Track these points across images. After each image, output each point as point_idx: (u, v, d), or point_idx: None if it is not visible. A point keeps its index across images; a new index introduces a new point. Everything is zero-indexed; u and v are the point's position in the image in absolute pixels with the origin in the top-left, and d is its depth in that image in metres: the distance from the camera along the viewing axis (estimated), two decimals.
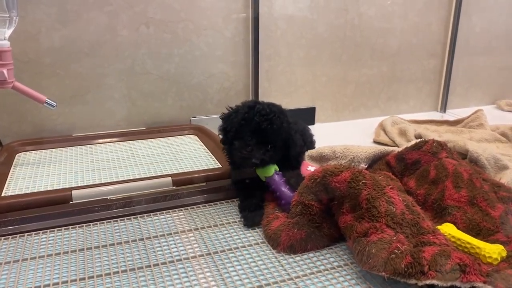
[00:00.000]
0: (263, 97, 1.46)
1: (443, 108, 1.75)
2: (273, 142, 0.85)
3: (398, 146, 1.25)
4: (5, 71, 0.97)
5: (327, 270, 0.71)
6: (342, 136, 1.45)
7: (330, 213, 0.77)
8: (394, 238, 0.67)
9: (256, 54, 1.41)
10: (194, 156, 1.18)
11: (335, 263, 0.73)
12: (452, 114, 1.72)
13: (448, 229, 0.78)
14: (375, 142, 1.37)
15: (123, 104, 1.33)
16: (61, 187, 0.98)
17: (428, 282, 0.62)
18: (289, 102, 1.51)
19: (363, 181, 0.73)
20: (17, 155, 1.16)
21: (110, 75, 1.30)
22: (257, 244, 0.79)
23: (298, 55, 1.49)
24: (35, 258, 0.74)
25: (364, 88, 1.63)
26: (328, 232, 0.77)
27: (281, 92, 1.50)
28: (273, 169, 0.86)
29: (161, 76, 1.35)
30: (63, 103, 1.25)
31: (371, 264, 0.66)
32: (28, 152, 1.19)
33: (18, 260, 0.73)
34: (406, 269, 0.63)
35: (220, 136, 0.93)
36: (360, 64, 1.59)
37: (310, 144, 1.13)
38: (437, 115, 1.71)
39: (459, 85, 1.78)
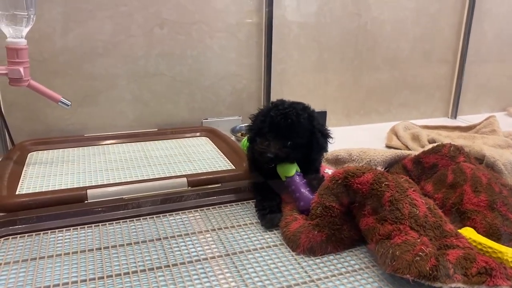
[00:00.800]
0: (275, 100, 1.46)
1: (454, 115, 1.74)
2: (291, 139, 0.84)
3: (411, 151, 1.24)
4: (21, 69, 0.97)
5: (349, 272, 0.70)
6: (354, 140, 1.44)
7: (350, 215, 0.77)
8: (418, 240, 0.66)
9: (269, 57, 1.41)
10: (207, 157, 1.17)
11: (356, 266, 0.72)
12: (463, 120, 1.72)
13: (468, 233, 0.77)
14: (388, 146, 1.36)
15: (135, 105, 1.33)
16: (75, 186, 0.97)
17: (453, 285, 0.61)
18: None
19: (386, 182, 0.72)
20: (29, 154, 1.16)
21: (123, 75, 1.29)
22: (276, 245, 0.78)
23: (310, 59, 1.49)
24: (52, 256, 0.73)
25: (376, 93, 1.62)
26: (349, 235, 0.76)
27: (293, 95, 1.49)
28: (294, 169, 0.85)
29: (174, 78, 1.34)
30: (76, 103, 1.25)
31: (395, 267, 0.65)
32: (40, 151, 1.18)
33: (35, 258, 0.72)
34: (431, 272, 0.62)
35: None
36: (372, 69, 1.59)
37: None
38: (448, 122, 1.70)
39: (470, 92, 1.77)
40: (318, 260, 0.73)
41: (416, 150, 1.21)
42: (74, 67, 1.24)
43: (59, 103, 1.04)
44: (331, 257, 0.74)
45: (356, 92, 1.59)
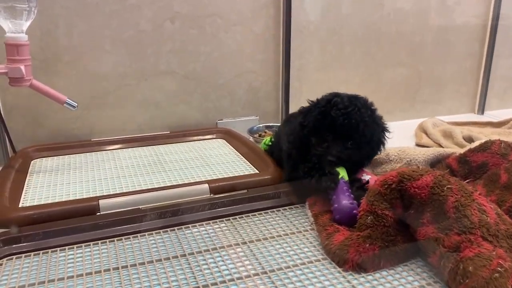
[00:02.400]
0: (294, 98, 1.37)
1: (481, 110, 1.64)
2: (352, 139, 0.78)
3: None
4: (22, 67, 0.88)
5: None
6: None
7: (403, 224, 0.67)
8: (494, 253, 0.56)
9: (288, 52, 1.31)
10: (226, 161, 1.07)
11: (415, 283, 0.62)
12: (491, 116, 1.62)
13: None
14: (418, 145, 1.26)
15: (146, 106, 1.23)
16: (84, 197, 0.87)
17: None
18: None
19: (448, 186, 0.62)
20: (32, 162, 1.06)
21: (132, 74, 1.20)
22: (318, 260, 0.68)
23: (331, 53, 1.39)
24: (63, 279, 0.63)
25: (399, 88, 1.53)
26: (403, 246, 0.66)
27: (313, 92, 1.36)
28: (341, 174, 0.77)
29: (187, 76, 1.25)
30: (82, 105, 1.14)
31: (469, 285, 0.55)
32: (44, 158, 1.09)
33: (43, 282, 0.62)
34: None
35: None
36: (395, 63, 1.49)
37: None
38: (475, 117, 1.60)
39: (496, 86, 1.67)
40: (370, 277, 0.63)
41: (451, 148, 1.11)
42: (79, 66, 1.15)
43: (64, 104, 0.95)
44: (384, 272, 0.64)
45: (379, 88, 1.50)
